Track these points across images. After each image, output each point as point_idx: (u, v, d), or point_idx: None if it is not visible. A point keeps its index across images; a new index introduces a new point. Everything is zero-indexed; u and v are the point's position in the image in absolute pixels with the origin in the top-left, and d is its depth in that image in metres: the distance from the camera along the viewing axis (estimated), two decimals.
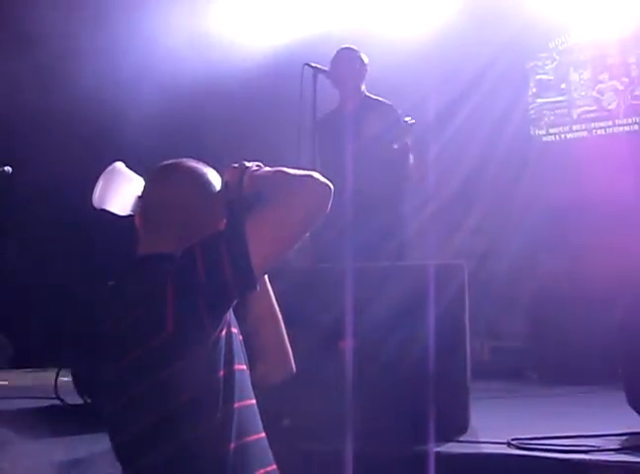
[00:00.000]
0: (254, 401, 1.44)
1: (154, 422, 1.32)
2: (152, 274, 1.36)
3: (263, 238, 1.32)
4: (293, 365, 1.61)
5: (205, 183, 1.48)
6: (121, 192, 1.59)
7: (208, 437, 1.32)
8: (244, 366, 1.43)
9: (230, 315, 1.40)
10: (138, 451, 1.35)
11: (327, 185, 1.38)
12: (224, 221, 1.49)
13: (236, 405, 1.37)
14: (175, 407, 1.31)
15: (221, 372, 1.35)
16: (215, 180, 1.51)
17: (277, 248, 1.35)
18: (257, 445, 1.41)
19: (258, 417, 1.45)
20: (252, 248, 1.30)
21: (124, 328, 1.36)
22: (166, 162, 1.52)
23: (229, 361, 1.37)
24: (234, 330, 1.42)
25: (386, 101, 3.96)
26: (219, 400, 1.34)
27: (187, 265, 1.31)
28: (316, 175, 1.40)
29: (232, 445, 1.34)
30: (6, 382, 4.57)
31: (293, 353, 1.62)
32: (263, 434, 1.45)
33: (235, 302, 1.38)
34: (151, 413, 1.33)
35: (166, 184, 1.47)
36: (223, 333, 1.36)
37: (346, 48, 3.98)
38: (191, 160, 1.53)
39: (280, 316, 1.60)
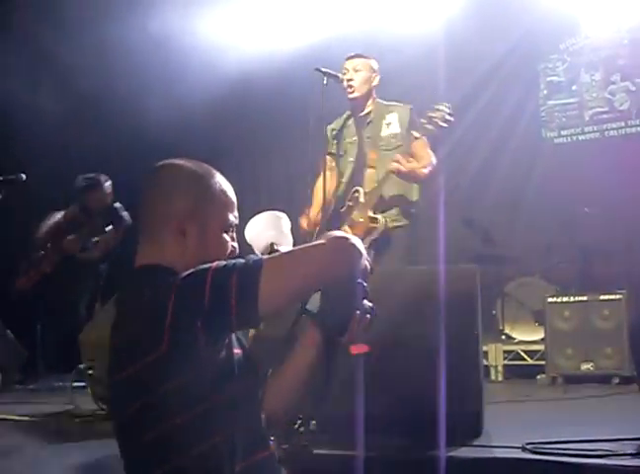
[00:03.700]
0: (262, 415, 1.42)
1: (151, 441, 1.29)
2: (152, 288, 1.32)
3: (277, 280, 1.28)
4: (281, 421, 1.55)
5: (194, 180, 1.43)
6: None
7: (211, 458, 1.29)
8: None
9: (232, 337, 1.38)
10: (139, 469, 1.34)
11: (355, 246, 1.35)
12: (223, 233, 1.44)
13: (241, 425, 1.34)
14: (172, 426, 1.28)
15: (220, 394, 1.31)
16: (206, 178, 1.45)
17: (289, 292, 1.31)
18: (263, 464, 1.38)
19: (265, 433, 1.43)
20: (263, 286, 1.26)
21: (123, 342, 1.34)
22: (156, 164, 1.48)
23: (229, 381, 1.34)
24: (236, 350, 1.39)
25: (398, 103, 3.92)
26: (220, 421, 1.30)
27: (194, 286, 1.27)
28: (351, 237, 1.37)
29: (237, 467, 1.32)
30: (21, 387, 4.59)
31: None
32: (268, 452, 1.41)
33: (232, 331, 1.36)
34: (147, 432, 1.30)
35: (153, 186, 1.44)
36: (221, 354, 1.33)
37: (355, 55, 3.88)
38: (183, 159, 1.47)
39: (306, 383, 1.49)
